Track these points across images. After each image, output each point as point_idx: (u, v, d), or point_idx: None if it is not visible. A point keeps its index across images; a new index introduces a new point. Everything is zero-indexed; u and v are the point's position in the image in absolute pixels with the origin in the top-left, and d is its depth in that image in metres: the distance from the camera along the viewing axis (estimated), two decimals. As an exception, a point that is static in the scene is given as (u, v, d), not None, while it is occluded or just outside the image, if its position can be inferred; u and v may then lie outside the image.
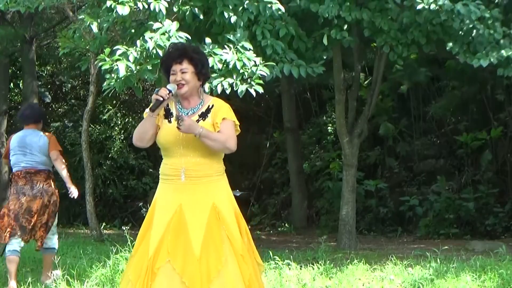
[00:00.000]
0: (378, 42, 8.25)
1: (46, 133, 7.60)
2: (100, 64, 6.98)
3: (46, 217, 7.27)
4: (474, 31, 7.77)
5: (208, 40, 7.18)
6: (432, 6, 7.57)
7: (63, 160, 7.48)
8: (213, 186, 4.56)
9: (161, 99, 4.39)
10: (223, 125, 4.48)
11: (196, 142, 4.48)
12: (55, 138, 7.62)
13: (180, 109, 4.58)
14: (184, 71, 4.51)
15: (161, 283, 4.34)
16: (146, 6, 7.02)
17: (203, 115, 4.55)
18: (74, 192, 7.42)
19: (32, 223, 7.20)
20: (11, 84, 13.89)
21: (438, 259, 7.46)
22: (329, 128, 12.83)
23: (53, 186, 7.38)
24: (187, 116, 4.47)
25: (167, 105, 4.57)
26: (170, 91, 4.41)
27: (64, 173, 7.41)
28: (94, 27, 7.12)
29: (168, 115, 4.58)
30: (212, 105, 4.58)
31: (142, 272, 4.37)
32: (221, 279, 4.40)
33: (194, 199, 4.50)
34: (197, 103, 4.57)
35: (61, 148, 7.55)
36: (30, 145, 7.33)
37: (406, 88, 11.66)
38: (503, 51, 7.69)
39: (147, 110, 4.47)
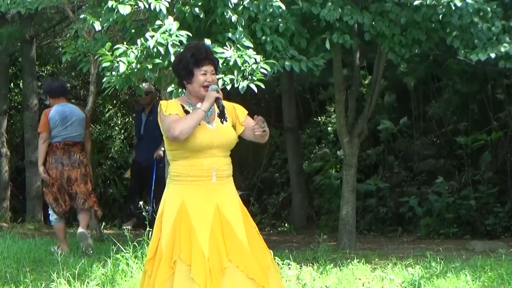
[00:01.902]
0: (382, 48, 8.29)
1: (82, 107, 8.70)
2: (100, 59, 7.00)
3: (90, 185, 8.22)
4: (475, 26, 7.76)
5: (208, 41, 7.18)
6: (429, 1, 7.56)
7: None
8: (233, 186, 4.67)
9: (221, 96, 4.57)
10: (248, 119, 4.71)
11: (227, 141, 4.60)
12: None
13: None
14: (213, 73, 4.66)
15: (230, 283, 4.39)
16: (147, 6, 7.02)
17: (222, 116, 4.70)
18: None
19: (74, 191, 8.11)
20: (11, 84, 13.88)
21: (438, 259, 7.46)
22: (329, 128, 12.83)
23: (85, 156, 8.30)
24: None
25: (183, 107, 4.66)
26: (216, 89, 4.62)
27: (88, 151, 8.41)
28: (97, 26, 7.13)
29: None
30: (223, 106, 4.69)
31: (208, 274, 4.38)
32: (271, 273, 4.56)
33: (227, 198, 4.60)
34: None
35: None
36: (71, 118, 8.17)
37: (411, 82, 11.60)
38: (501, 47, 7.67)
39: (199, 105, 4.56)
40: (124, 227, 9.80)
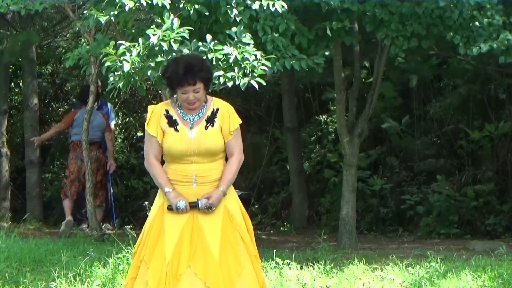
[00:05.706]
0: (379, 36, 8.18)
1: (103, 114, 10.29)
2: (104, 59, 7.00)
3: (100, 178, 10.00)
4: (475, 22, 7.74)
5: (209, 36, 7.17)
6: None
7: (113, 140, 10.59)
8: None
9: (175, 209, 4.53)
10: (234, 138, 4.61)
11: (207, 149, 4.54)
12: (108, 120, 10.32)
13: (182, 114, 4.59)
14: (197, 91, 4.55)
15: None
16: (150, 2, 6.99)
17: (210, 120, 4.60)
18: (112, 167, 10.28)
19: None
20: (11, 83, 13.86)
21: (438, 259, 7.46)
22: (329, 127, 12.82)
23: (102, 154, 10.10)
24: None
25: (167, 111, 4.61)
26: (182, 208, 4.51)
27: (111, 150, 10.20)
28: (102, 19, 7.12)
29: (172, 123, 4.60)
30: (217, 109, 4.61)
31: (162, 279, 4.36)
32: (242, 282, 4.44)
33: None
34: (200, 107, 4.60)
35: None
36: (91, 122, 9.41)
37: (414, 82, 11.58)
38: (502, 35, 7.64)
39: (169, 191, 4.61)
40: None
